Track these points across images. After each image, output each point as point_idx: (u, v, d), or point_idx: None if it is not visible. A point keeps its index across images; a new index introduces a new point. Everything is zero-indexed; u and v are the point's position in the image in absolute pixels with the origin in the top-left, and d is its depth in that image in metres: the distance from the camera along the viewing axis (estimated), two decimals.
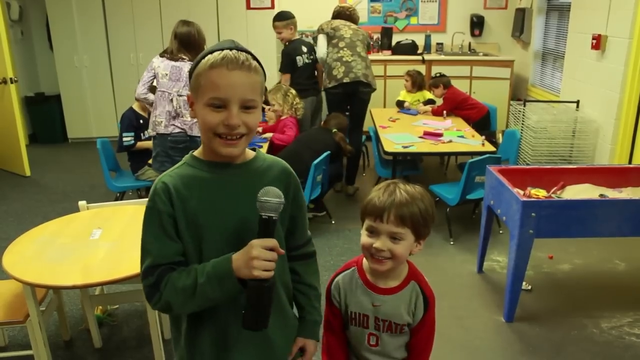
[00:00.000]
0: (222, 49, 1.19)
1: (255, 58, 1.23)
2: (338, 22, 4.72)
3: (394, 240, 1.38)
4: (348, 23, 4.75)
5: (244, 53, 1.20)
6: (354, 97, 4.65)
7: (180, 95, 3.49)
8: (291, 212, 1.35)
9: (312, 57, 4.81)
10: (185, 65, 3.52)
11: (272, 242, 1.15)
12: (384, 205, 1.37)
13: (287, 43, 4.80)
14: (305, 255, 1.44)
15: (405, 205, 1.37)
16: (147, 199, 1.25)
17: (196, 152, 1.29)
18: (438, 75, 5.40)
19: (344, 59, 4.54)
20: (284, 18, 4.76)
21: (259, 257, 1.13)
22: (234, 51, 1.19)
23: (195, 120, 3.57)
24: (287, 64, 4.70)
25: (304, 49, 4.76)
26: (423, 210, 1.39)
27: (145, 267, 1.21)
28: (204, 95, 1.18)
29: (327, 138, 4.20)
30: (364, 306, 1.49)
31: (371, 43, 4.93)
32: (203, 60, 1.19)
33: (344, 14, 4.84)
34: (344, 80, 4.53)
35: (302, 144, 4.11)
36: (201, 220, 1.21)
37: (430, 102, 5.42)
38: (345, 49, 4.56)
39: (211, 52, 1.19)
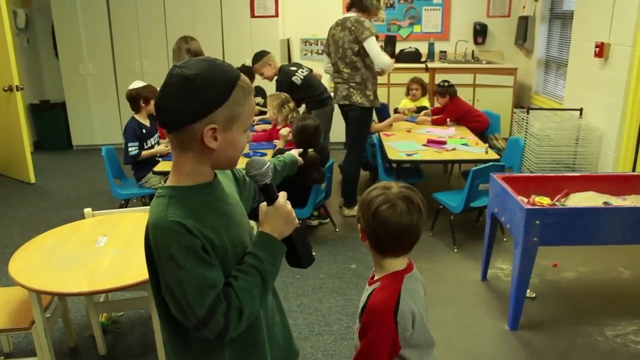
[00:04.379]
0: (234, 73, 1.16)
1: None
2: (330, 35, 4.42)
3: None
4: (340, 26, 4.28)
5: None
6: (345, 115, 4.56)
7: None
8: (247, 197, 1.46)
9: (304, 70, 4.70)
10: None
11: (284, 195, 1.28)
12: None
13: (274, 78, 4.71)
14: None
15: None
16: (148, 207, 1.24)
17: (172, 183, 1.20)
18: (446, 84, 5.20)
19: (334, 80, 4.53)
20: (258, 58, 4.68)
21: (292, 210, 1.27)
22: (242, 77, 1.17)
23: None
24: (287, 88, 4.53)
25: (293, 68, 4.70)
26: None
27: (211, 301, 1.11)
28: (244, 123, 1.19)
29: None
30: None
31: (369, 32, 4.15)
32: (236, 89, 1.14)
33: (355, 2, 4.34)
34: (333, 102, 4.65)
35: None
36: (219, 243, 1.18)
37: (423, 109, 5.41)
38: (334, 73, 4.50)
39: (232, 78, 1.15)
